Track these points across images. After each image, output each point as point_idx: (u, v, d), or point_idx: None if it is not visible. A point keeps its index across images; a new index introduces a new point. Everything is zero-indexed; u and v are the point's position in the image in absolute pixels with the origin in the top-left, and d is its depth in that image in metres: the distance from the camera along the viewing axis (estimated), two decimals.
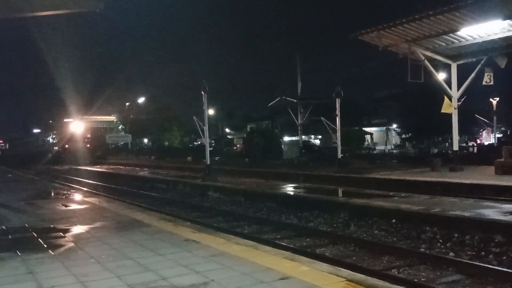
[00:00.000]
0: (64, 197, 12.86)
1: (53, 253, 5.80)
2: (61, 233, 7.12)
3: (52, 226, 7.80)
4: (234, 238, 6.76)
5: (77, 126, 47.59)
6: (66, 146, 46.88)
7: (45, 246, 6.25)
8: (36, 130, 70.88)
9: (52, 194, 13.85)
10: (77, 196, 13.10)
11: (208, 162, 18.44)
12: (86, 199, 12.27)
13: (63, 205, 10.74)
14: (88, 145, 50.77)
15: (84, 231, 7.32)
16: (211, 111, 24.67)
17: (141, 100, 57.42)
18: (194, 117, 19.79)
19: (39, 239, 6.68)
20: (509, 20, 14.01)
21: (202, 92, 18.19)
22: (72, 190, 15.80)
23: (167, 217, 9.09)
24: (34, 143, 62.22)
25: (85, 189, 17.65)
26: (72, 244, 6.34)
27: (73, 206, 10.52)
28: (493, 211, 8.64)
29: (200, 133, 19.39)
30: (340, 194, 13.09)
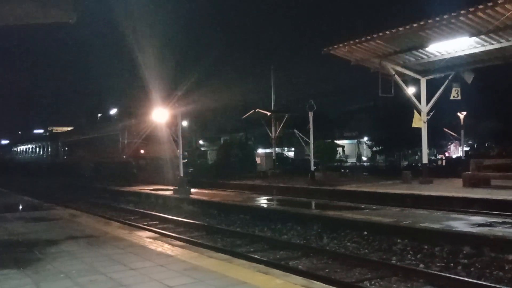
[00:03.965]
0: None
1: (21, 269, 5.65)
2: (30, 248, 6.94)
3: (20, 240, 7.60)
4: (207, 252, 6.74)
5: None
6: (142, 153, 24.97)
7: (13, 261, 6.08)
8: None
9: None
10: (46, 207, 12.79)
11: (182, 175, 18.31)
12: (54, 211, 12.00)
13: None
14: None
15: (53, 245, 7.15)
16: (184, 123, 24.84)
17: (113, 111, 56.62)
18: (168, 129, 19.72)
19: (5, 254, 6.50)
20: (475, 37, 14.51)
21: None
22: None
23: (139, 230, 8.98)
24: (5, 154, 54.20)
25: None
26: (41, 259, 6.19)
27: (44, 220, 10.28)
28: (462, 223, 8.85)
29: (174, 145, 19.27)
30: (313, 206, 13.17)
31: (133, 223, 12.30)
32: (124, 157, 24.49)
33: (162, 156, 23.34)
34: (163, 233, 10.37)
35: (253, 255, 8.21)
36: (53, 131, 53.54)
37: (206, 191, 18.24)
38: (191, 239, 9.85)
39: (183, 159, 20.08)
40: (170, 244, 7.20)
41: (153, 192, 18.75)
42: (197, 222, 12.42)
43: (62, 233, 8.26)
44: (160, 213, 14.27)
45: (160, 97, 21.30)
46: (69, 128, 45.27)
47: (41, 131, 61.31)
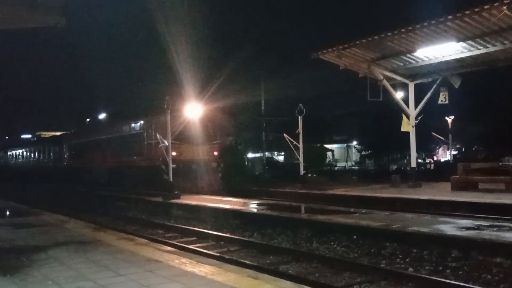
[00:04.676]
0: None
1: (8, 276, 5.58)
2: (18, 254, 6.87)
3: (8, 247, 7.52)
4: (197, 257, 6.71)
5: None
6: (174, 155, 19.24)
7: None
8: None
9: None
10: (36, 214, 12.66)
11: (171, 179, 18.16)
12: (43, 217, 11.89)
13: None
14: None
15: (41, 251, 7.08)
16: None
17: (102, 116, 56.25)
18: (158, 135, 19.47)
19: None
20: (462, 43, 14.67)
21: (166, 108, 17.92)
22: None
23: (128, 236, 8.92)
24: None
25: None
26: (28, 266, 6.12)
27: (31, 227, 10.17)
28: (450, 227, 8.91)
29: (163, 150, 18.87)
30: (303, 210, 13.19)
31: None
32: (149, 160, 20.78)
33: (196, 158, 20.31)
34: (153, 239, 10.29)
35: (243, 260, 8.18)
36: (41, 135, 52.99)
37: (196, 196, 18.08)
38: (180, 245, 9.79)
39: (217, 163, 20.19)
40: (158, 249, 7.15)
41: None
42: (185, 227, 12.34)
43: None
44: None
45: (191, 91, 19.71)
46: (58, 133, 43.81)
47: (29, 136, 60.73)
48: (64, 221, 11.05)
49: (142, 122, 21.95)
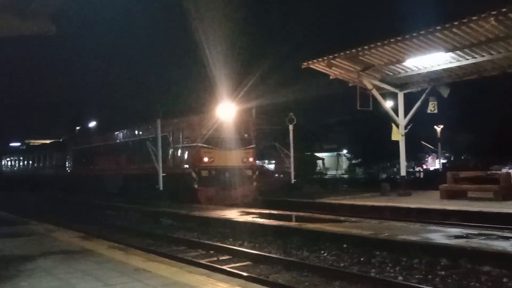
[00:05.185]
0: None
1: None
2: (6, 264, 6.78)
3: None
4: (187, 267, 6.68)
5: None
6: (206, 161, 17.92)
7: None
8: None
9: None
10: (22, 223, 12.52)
11: (161, 188, 18.09)
12: (31, 226, 11.77)
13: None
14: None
15: (28, 261, 7.00)
16: None
17: (92, 124, 55.91)
18: (147, 142, 19.40)
19: None
20: (451, 53, 14.86)
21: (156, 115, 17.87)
22: None
23: (117, 245, 8.84)
24: None
25: None
26: (17, 276, 6.05)
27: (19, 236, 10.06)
28: (439, 235, 8.96)
29: (153, 158, 18.73)
30: (293, 219, 13.17)
31: None
32: (175, 167, 18.46)
33: (229, 165, 18.05)
34: (142, 247, 10.20)
35: (233, 270, 8.14)
36: (30, 144, 52.50)
37: (185, 205, 17.97)
38: (170, 254, 9.72)
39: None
40: (147, 259, 7.09)
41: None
42: (175, 236, 12.25)
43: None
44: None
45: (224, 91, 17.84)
46: (48, 141, 42.68)
47: (18, 144, 60.12)
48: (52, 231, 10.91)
49: (166, 123, 19.25)
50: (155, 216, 15.78)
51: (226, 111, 16.60)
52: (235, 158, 18.21)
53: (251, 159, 19.07)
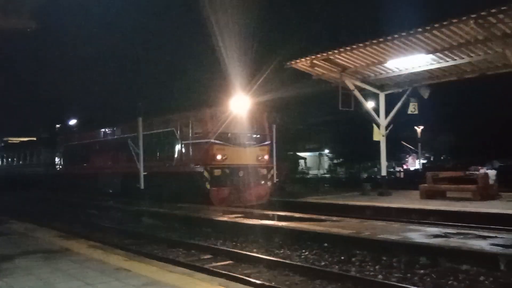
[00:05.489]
0: None
1: None
2: None
3: None
4: (168, 266, 6.65)
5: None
6: (219, 159, 16.35)
7: None
8: None
9: None
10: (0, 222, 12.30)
11: (142, 187, 17.90)
12: (10, 225, 11.58)
13: None
14: None
15: (6, 261, 6.89)
16: None
17: (73, 121, 55.14)
18: (129, 140, 19.23)
19: None
20: (431, 55, 15.08)
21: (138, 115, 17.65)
22: None
23: (97, 244, 8.77)
24: None
25: None
26: None
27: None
28: (418, 234, 9.07)
29: (135, 157, 18.54)
30: (275, 218, 13.20)
31: None
32: (184, 165, 16.83)
33: (243, 163, 16.64)
34: (122, 247, 10.12)
35: (214, 269, 8.14)
36: (9, 142, 51.49)
37: (168, 204, 17.86)
38: (151, 253, 9.66)
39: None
40: (128, 258, 7.05)
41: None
42: (156, 235, 12.20)
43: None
44: None
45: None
46: (25, 139, 41.58)
47: None
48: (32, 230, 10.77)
49: (173, 117, 17.86)
50: (137, 215, 15.70)
51: (240, 104, 15.34)
52: (249, 155, 16.85)
53: (266, 157, 17.61)
